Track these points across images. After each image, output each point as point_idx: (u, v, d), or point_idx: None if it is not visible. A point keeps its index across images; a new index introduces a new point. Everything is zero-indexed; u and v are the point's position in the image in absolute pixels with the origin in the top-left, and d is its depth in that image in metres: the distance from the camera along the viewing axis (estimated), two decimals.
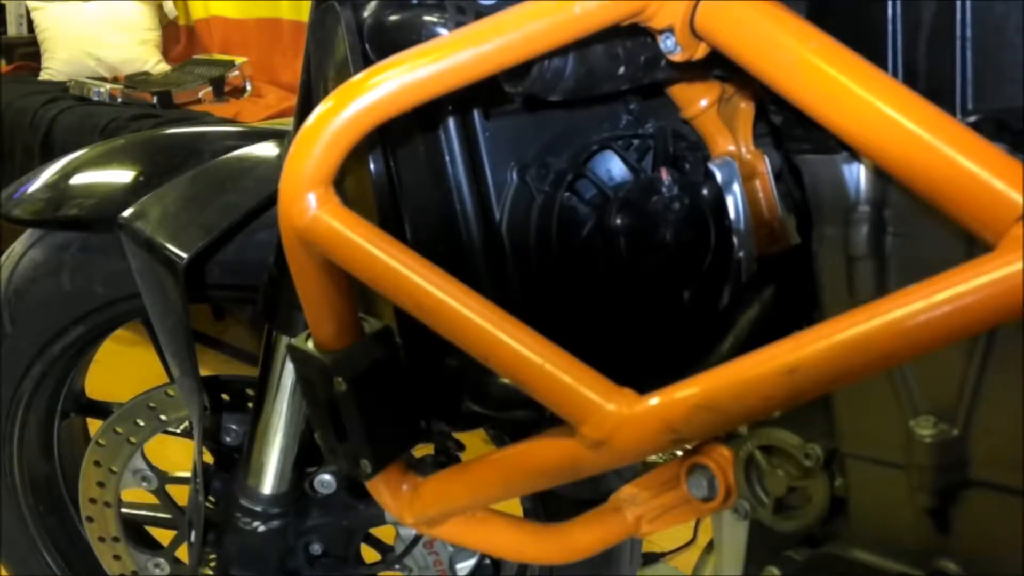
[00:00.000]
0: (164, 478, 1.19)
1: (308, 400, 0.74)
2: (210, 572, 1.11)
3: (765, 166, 0.81)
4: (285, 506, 1.07)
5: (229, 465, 1.13)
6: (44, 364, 1.17)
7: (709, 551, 0.82)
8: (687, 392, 0.56)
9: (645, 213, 0.78)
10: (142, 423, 1.16)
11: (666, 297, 0.82)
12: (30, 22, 3.97)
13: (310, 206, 0.62)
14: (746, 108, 0.81)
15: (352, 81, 0.60)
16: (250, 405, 1.09)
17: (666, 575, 1.71)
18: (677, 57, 0.63)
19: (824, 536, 0.69)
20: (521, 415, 0.77)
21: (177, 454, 1.29)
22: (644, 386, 0.59)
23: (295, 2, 3.58)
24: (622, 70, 0.68)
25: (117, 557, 1.23)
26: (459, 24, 0.67)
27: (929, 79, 0.59)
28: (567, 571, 1.19)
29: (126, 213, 0.97)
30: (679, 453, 0.73)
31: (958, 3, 0.57)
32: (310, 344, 0.72)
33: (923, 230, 0.60)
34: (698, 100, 0.80)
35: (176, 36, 4.09)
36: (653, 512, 0.75)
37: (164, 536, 1.25)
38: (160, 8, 4.01)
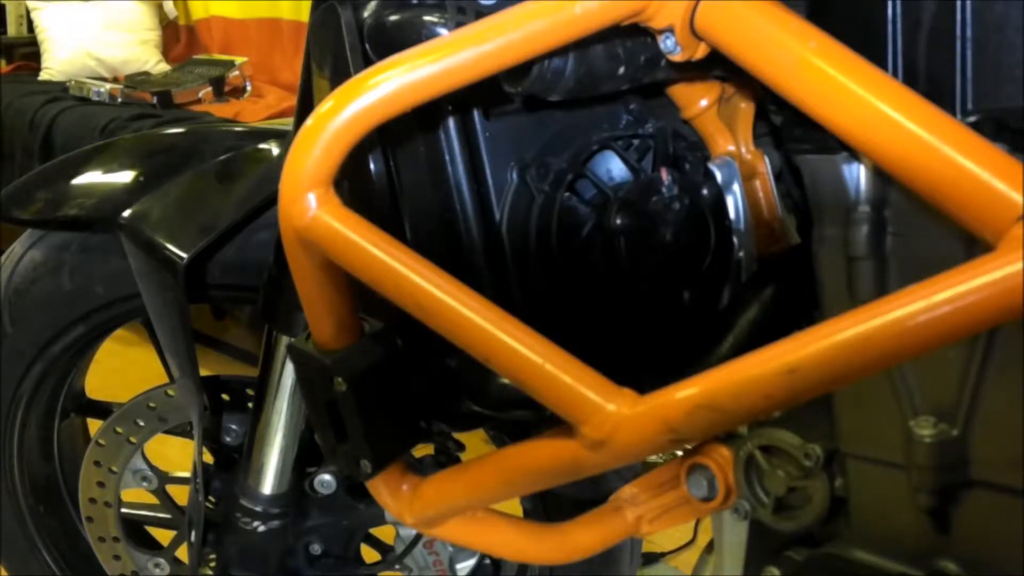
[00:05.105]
0: (164, 478, 1.19)
1: (308, 400, 0.74)
2: (210, 572, 1.11)
3: (765, 166, 0.81)
4: (285, 506, 1.07)
5: (229, 465, 1.13)
6: (44, 364, 1.17)
7: (709, 551, 0.82)
8: (687, 392, 0.56)
9: (645, 213, 0.77)
10: (142, 423, 1.15)
11: (666, 297, 0.82)
12: (30, 22, 3.96)
13: (310, 206, 0.62)
14: (746, 108, 0.81)
15: (352, 81, 0.60)
16: (250, 405, 1.09)
17: (666, 575, 1.71)
18: (677, 57, 0.63)
19: (824, 536, 0.69)
20: (521, 415, 0.77)
21: (177, 454, 1.29)
22: (644, 386, 0.59)
23: (295, 2, 3.58)
24: (622, 70, 0.68)
25: (117, 557, 1.23)
26: (459, 24, 0.67)
27: (929, 79, 0.59)
28: (567, 571, 1.19)
29: (126, 213, 0.97)
30: (679, 453, 0.73)
31: (958, 3, 0.57)
32: (310, 344, 0.72)
33: (923, 230, 0.60)
34: (698, 100, 0.80)
35: (176, 36, 4.08)
36: (653, 512, 0.75)
37: (164, 536, 1.25)
38: (160, 8, 4.01)
